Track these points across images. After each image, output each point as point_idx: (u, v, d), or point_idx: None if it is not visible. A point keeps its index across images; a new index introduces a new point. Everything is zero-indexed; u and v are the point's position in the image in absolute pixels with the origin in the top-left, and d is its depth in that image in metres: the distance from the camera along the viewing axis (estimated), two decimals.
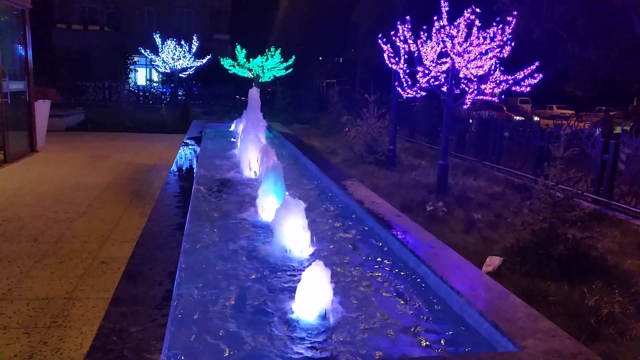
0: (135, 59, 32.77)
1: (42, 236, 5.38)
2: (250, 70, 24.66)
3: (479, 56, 7.26)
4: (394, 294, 3.14)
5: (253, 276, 3.26)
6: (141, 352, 2.04)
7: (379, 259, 3.70)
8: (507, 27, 7.16)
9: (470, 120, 13.03)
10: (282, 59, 25.13)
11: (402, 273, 3.45)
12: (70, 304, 3.80)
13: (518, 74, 7.34)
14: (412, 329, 2.72)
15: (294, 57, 25.64)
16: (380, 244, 4.00)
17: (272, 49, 24.92)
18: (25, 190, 7.40)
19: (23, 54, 10.37)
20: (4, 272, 4.38)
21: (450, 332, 2.70)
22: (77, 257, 4.80)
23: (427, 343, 2.62)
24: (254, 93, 8.56)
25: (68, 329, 3.43)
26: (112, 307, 2.45)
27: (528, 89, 7.33)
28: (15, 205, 6.56)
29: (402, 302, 3.04)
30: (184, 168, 6.53)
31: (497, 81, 7.37)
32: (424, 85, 7.90)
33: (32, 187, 7.66)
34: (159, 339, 2.18)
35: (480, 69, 7.33)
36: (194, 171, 6.16)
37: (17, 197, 7.02)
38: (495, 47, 7.18)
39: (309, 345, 2.48)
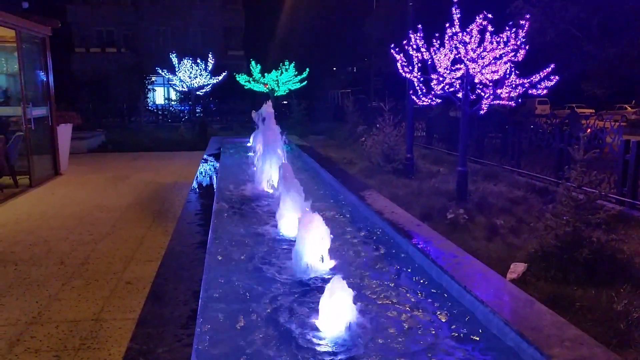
0: (153, 78, 33.36)
1: (68, 258, 5.49)
2: (266, 84, 24.89)
3: (493, 61, 7.23)
4: (417, 305, 3.12)
5: (272, 291, 3.28)
6: None
7: (400, 271, 3.68)
8: (520, 31, 7.13)
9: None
10: (297, 72, 25.32)
11: (424, 283, 3.44)
12: (97, 326, 3.87)
13: (534, 77, 7.28)
14: (436, 340, 2.70)
15: (307, 69, 25.82)
16: (402, 254, 3.99)
17: (286, 62, 25.14)
18: (50, 214, 7.57)
19: (44, 80, 10.66)
20: (33, 295, 4.48)
21: (475, 343, 2.68)
22: (102, 279, 4.89)
23: (452, 354, 2.60)
24: (267, 109, 8.53)
25: (97, 350, 3.49)
26: (139, 328, 2.49)
27: (545, 91, 7.27)
28: (41, 229, 6.71)
29: (425, 312, 3.02)
30: (204, 185, 6.61)
31: (513, 85, 7.32)
32: (439, 93, 7.89)
33: (56, 210, 7.83)
34: (186, 359, 2.21)
35: (495, 73, 7.29)
36: (214, 188, 6.24)
37: (43, 220, 7.18)
38: (509, 51, 7.15)
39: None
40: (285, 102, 27.72)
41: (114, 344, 3.58)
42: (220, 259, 3.90)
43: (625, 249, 5.51)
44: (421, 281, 3.49)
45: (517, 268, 5.02)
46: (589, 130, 8.71)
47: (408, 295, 3.28)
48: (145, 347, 2.30)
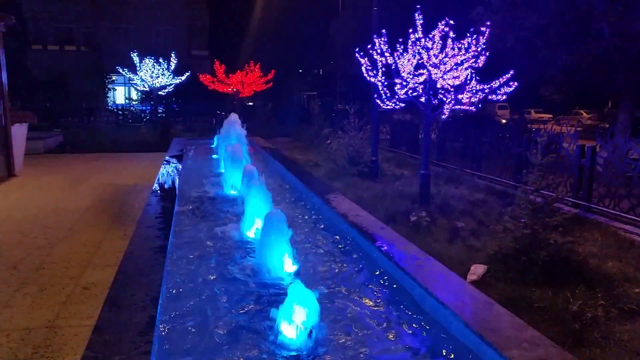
0: (114, 77, 32.55)
1: (21, 264, 5.27)
2: (230, 85, 24.64)
3: (454, 67, 7.36)
4: (378, 306, 3.14)
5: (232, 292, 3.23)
6: None
7: (363, 272, 3.70)
8: (481, 37, 7.28)
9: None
10: (262, 74, 25.17)
11: (387, 285, 3.46)
12: (52, 333, 3.72)
13: (494, 82, 7.46)
14: (398, 342, 2.72)
15: (273, 71, 25.70)
16: (365, 257, 4.01)
17: (252, 63, 24.96)
18: (2, 216, 7.26)
19: None
20: None
21: (435, 344, 2.71)
22: (58, 284, 4.71)
23: (415, 356, 2.62)
24: (233, 120, 8.45)
25: (50, 359, 3.36)
26: (95, 336, 2.41)
27: (504, 97, 7.45)
28: None
29: (387, 314, 3.04)
30: (165, 187, 6.48)
31: (474, 90, 7.47)
32: (402, 97, 7.98)
33: (10, 213, 7.52)
34: None
35: (457, 79, 7.43)
36: (176, 190, 6.12)
37: None
38: (470, 57, 7.29)
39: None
40: (250, 103, 27.50)
41: (69, 352, 3.45)
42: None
43: (581, 250, 5.71)
44: (384, 284, 3.50)
45: (477, 270, 5.11)
46: (545, 135, 8.97)
47: (371, 297, 3.29)
48: (101, 355, 2.23)
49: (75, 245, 5.94)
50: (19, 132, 11.03)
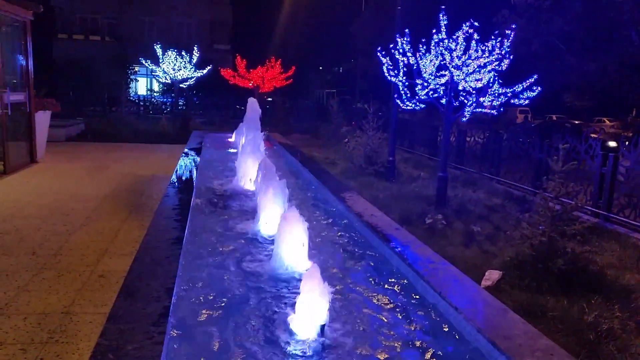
0: (136, 68, 32.88)
1: (40, 249, 5.36)
2: (251, 80, 24.74)
3: (477, 69, 7.29)
4: (392, 308, 3.13)
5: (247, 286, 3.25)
6: None
7: (377, 274, 3.69)
8: (505, 40, 7.20)
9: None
10: (282, 70, 25.23)
11: (399, 287, 3.44)
12: (67, 319, 3.78)
13: (517, 86, 7.37)
14: (409, 344, 2.71)
15: (294, 67, 25.73)
16: (379, 257, 3.99)
17: (273, 59, 25.03)
18: (24, 202, 7.40)
19: (24, 65, 10.42)
20: (1, 286, 4.36)
21: (448, 349, 2.69)
22: (75, 271, 4.79)
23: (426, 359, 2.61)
24: (252, 103, 8.56)
25: (65, 344, 3.41)
26: (109, 324, 2.44)
27: (527, 101, 7.36)
28: (14, 217, 6.55)
29: (400, 317, 3.03)
30: (183, 179, 6.53)
31: (496, 94, 7.39)
32: (423, 98, 7.93)
33: (31, 198, 7.65)
34: (156, 357, 2.17)
35: (479, 81, 7.36)
36: (193, 183, 6.17)
37: (16, 209, 7.01)
38: (493, 60, 7.21)
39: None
40: (269, 98, 27.58)
41: (83, 338, 3.50)
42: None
43: (599, 260, 5.61)
44: (397, 286, 3.49)
45: (492, 275, 5.07)
46: (566, 142, 8.83)
47: (384, 298, 3.28)
48: (115, 343, 2.26)
49: (93, 233, 6.02)
50: (42, 120, 11.22)
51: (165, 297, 2.75)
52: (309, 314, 2.73)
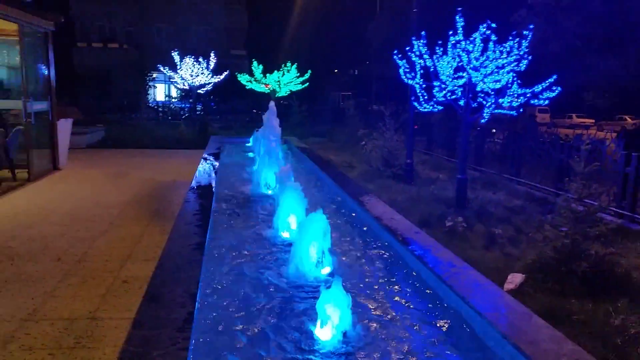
0: (154, 75, 33.30)
1: (65, 255, 5.46)
2: (267, 85, 24.88)
3: (495, 70, 7.23)
4: (413, 314, 3.11)
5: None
6: None
7: (397, 278, 3.68)
8: (523, 41, 7.13)
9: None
10: (298, 74, 25.32)
11: (421, 291, 3.43)
12: (93, 325, 3.85)
13: (536, 87, 7.28)
14: (432, 351, 2.70)
15: (309, 71, 25.81)
16: (399, 262, 3.98)
17: (289, 63, 25.14)
18: (48, 209, 7.54)
19: (46, 74, 10.63)
20: (29, 292, 4.45)
21: (472, 355, 2.67)
22: (99, 277, 4.87)
23: None
24: (272, 107, 8.72)
25: (91, 350, 3.47)
26: (134, 330, 2.47)
27: (547, 101, 7.28)
28: (39, 224, 6.69)
29: (422, 322, 3.01)
30: (203, 185, 6.59)
31: (515, 95, 7.32)
32: (440, 100, 7.89)
33: (54, 205, 7.80)
34: None
35: (498, 82, 7.30)
36: (213, 188, 6.22)
37: (41, 215, 7.15)
38: (512, 60, 7.15)
39: None
40: (285, 102, 27.68)
41: (108, 344, 3.56)
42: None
43: (624, 262, 5.51)
44: (418, 290, 3.48)
45: (515, 279, 5.01)
46: (587, 142, 8.69)
47: (404, 303, 3.27)
48: (140, 349, 2.29)
49: (116, 239, 6.12)
50: (64, 127, 11.42)
51: (189, 303, 2.77)
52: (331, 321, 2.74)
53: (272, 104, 8.91)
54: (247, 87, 26.06)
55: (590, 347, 3.51)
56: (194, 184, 6.46)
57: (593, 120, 35.42)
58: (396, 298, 3.35)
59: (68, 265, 5.17)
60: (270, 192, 6.40)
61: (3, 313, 4.00)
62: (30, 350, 3.44)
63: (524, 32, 7.19)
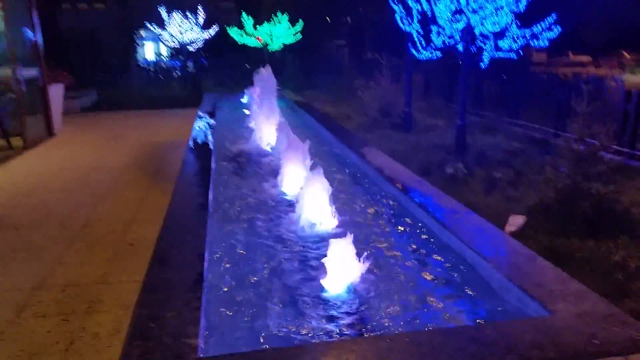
0: (143, 33, 32.47)
1: (68, 221, 5.49)
2: (259, 38, 24.29)
3: (494, 11, 7.03)
4: (418, 261, 3.15)
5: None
6: (179, 338, 2.09)
7: (401, 227, 3.70)
8: None
9: None
10: (290, 25, 24.68)
11: (424, 238, 3.46)
12: (103, 289, 3.90)
13: (535, 27, 7.11)
14: (439, 297, 2.74)
15: (301, 21, 25.12)
16: (402, 210, 4.00)
17: (279, 14, 24.45)
18: (47, 176, 7.52)
19: (32, 38, 10.35)
20: (37, 260, 4.50)
21: (479, 299, 2.71)
22: (104, 241, 4.90)
23: (457, 310, 2.64)
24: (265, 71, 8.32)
25: (104, 313, 3.53)
26: (145, 293, 2.50)
27: (546, 42, 7.13)
28: (39, 192, 6.68)
29: (427, 271, 3.05)
30: (200, 144, 6.54)
31: (515, 36, 7.16)
32: (439, 45, 7.72)
33: (53, 171, 7.78)
34: (195, 322, 2.23)
35: (497, 25, 7.12)
36: (211, 146, 6.18)
37: (40, 183, 7.14)
38: (511, 0, 6.95)
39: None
40: (278, 55, 27.11)
41: (120, 307, 3.62)
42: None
43: (623, 199, 5.55)
44: (423, 238, 3.51)
45: (516, 220, 5.06)
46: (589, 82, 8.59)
47: (409, 251, 3.30)
48: (153, 311, 2.31)
49: (118, 203, 6.13)
50: (56, 93, 11.24)
51: (197, 263, 2.80)
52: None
53: (262, 71, 8.33)
54: (240, 42, 25.45)
55: (593, 284, 3.56)
56: (191, 143, 6.41)
57: (590, 58, 34.82)
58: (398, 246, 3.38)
59: (73, 231, 5.20)
60: (269, 148, 6.36)
61: (14, 282, 4.06)
62: (44, 317, 3.50)
63: None
